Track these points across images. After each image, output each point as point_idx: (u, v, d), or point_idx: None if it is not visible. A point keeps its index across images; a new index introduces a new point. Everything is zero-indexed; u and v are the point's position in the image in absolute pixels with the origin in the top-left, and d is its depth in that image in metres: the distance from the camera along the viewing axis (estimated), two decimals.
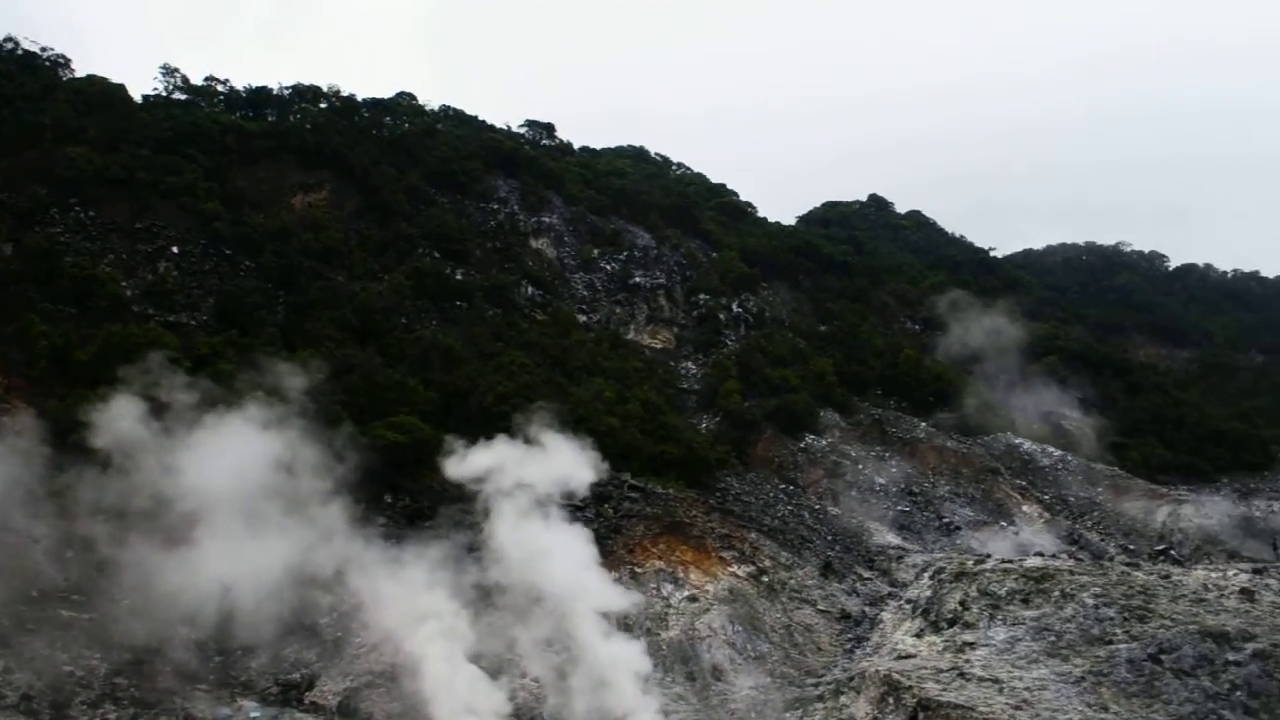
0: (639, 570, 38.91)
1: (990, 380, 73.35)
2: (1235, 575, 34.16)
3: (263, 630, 32.22)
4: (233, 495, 31.46)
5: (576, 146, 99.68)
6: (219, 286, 51.57)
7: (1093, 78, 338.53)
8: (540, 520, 33.87)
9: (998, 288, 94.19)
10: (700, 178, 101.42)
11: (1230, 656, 26.16)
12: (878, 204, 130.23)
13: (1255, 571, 34.77)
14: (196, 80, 73.56)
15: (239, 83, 75.78)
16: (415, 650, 30.15)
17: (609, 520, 42.37)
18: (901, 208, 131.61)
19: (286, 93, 76.83)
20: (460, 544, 36.06)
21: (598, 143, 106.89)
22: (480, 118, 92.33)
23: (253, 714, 28.98)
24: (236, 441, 32.88)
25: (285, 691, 31.68)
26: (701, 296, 71.88)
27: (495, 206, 72.45)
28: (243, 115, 71.17)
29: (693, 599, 37.68)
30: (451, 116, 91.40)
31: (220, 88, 74.41)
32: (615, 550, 39.85)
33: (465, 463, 35.83)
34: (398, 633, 30.91)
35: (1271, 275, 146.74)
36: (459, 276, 61.33)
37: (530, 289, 64.92)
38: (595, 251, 72.75)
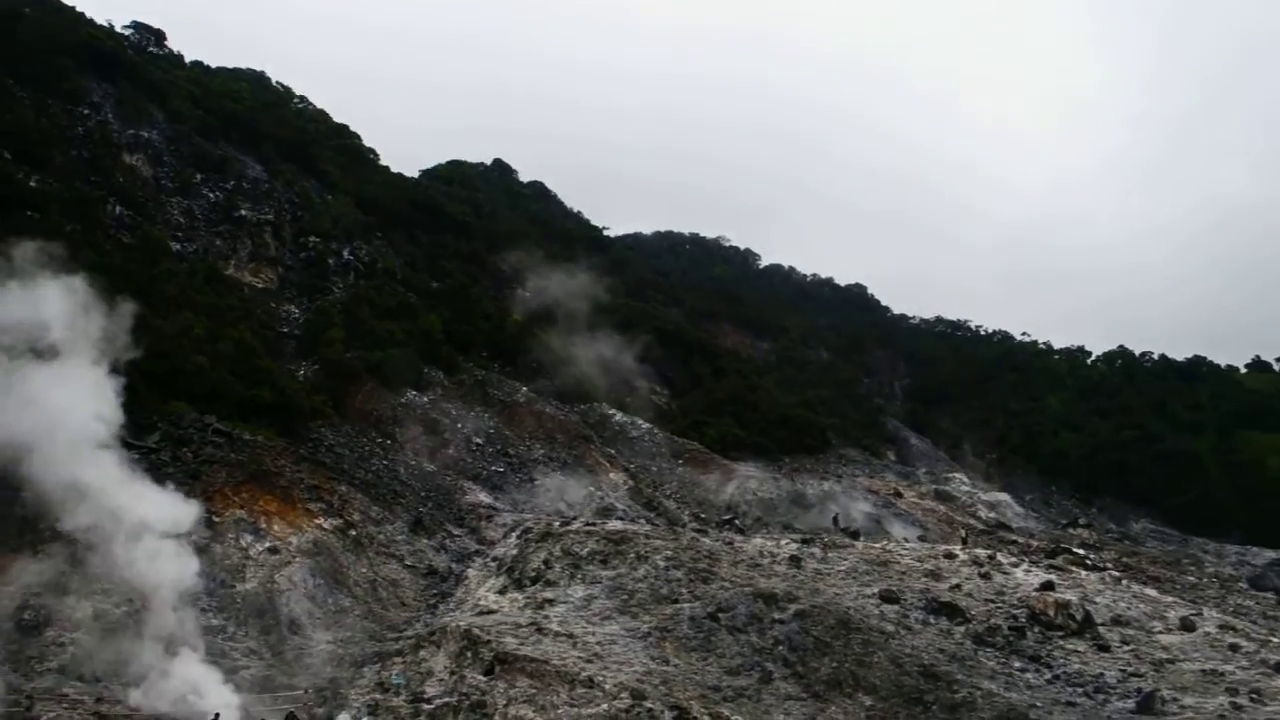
0: (217, 519, 36.58)
1: (590, 353, 76.30)
2: (787, 544, 37.80)
3: None
4: None
5: (189, 60, 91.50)
6: None
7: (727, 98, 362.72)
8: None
9: (607, 265, 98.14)
10: (323, 115, 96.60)
11: (776, 615, 28.84)
12: (502, 169, 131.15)
13: (804, 541, 38.67)
14: None
15: None
16: None
17: (188, 465, 39.47)
18: (525, 177, 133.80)
19: None
20: None
21: (214, 60, 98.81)
22: (77, 9, 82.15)
23: None
24: None
25: None
26: (311, 239, 68.54)
27: (86, 112, 64.59)
28: None
29: (273, 551, 36.01)
30: (40, 1, 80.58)
31: None
32: (193, 497, 37.21)
33: None
34: None
35: (843, 283, 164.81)
36: (33, 184, 54.23)
37: (118, 208, 58.59)
38: (198, 176, 67.03)
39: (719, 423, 74.50)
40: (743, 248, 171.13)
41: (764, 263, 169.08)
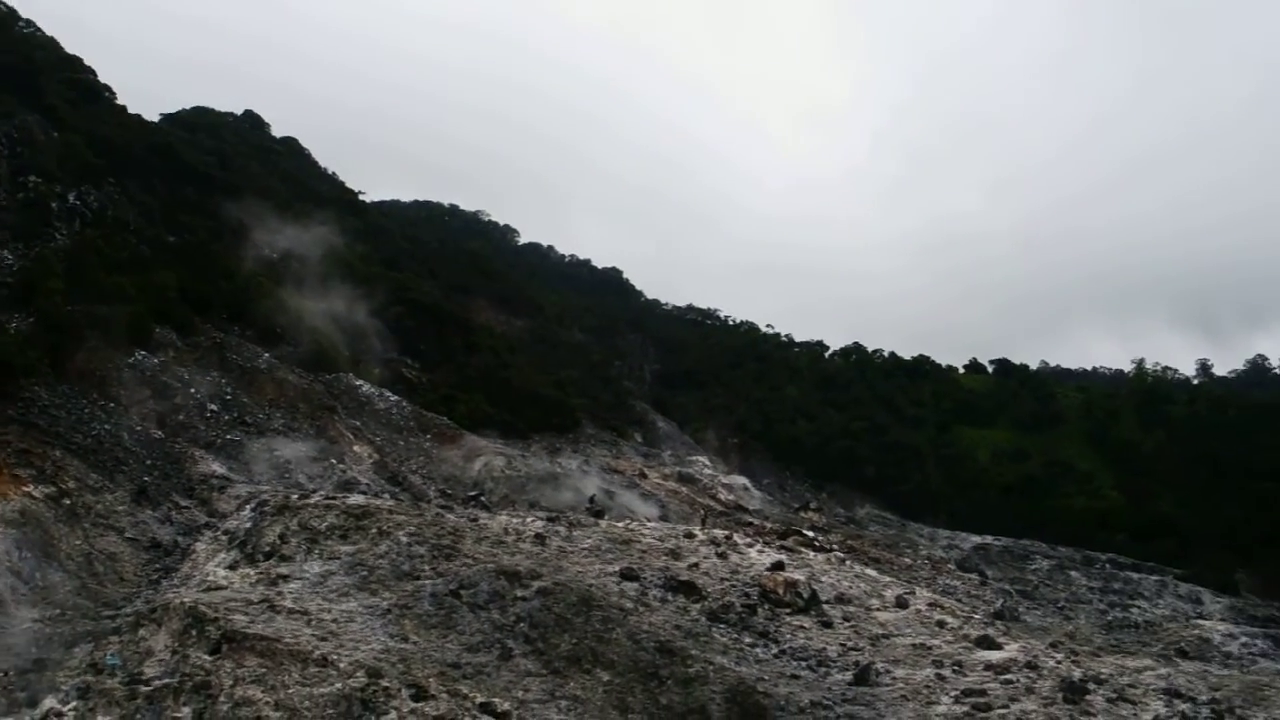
0: None
1: (338, 320, 73.84)
2: (533, 522, 37.85)
3: None
4: None
5: None
6: None
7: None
8: None
9: (362, 231, 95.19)
10: (53, 43, 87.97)
11: (519, 593, 28.78)
12: (253, 121, 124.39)
13: (550, 519, 38.85)
14: None
15: None
16: None
17: None
18: (279, 132, 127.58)
19: None
20: None
21: None
22: None
23: None
24: None
25: None
26: (32, 178, 62.39)
27: None
28: None
29: None
30: None
31: None
32: None
33: None
34: None
35: (600, 266, 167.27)
36: None
37: None
38: None
39: (470, 398, 73.84)
40: (502, 223, 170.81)
41: (523, 240, 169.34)
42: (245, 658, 24.77)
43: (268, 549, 33.71)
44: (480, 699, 23.94)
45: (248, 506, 38.57)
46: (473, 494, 54.52)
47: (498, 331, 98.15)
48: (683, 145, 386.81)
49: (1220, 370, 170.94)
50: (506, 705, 24.15)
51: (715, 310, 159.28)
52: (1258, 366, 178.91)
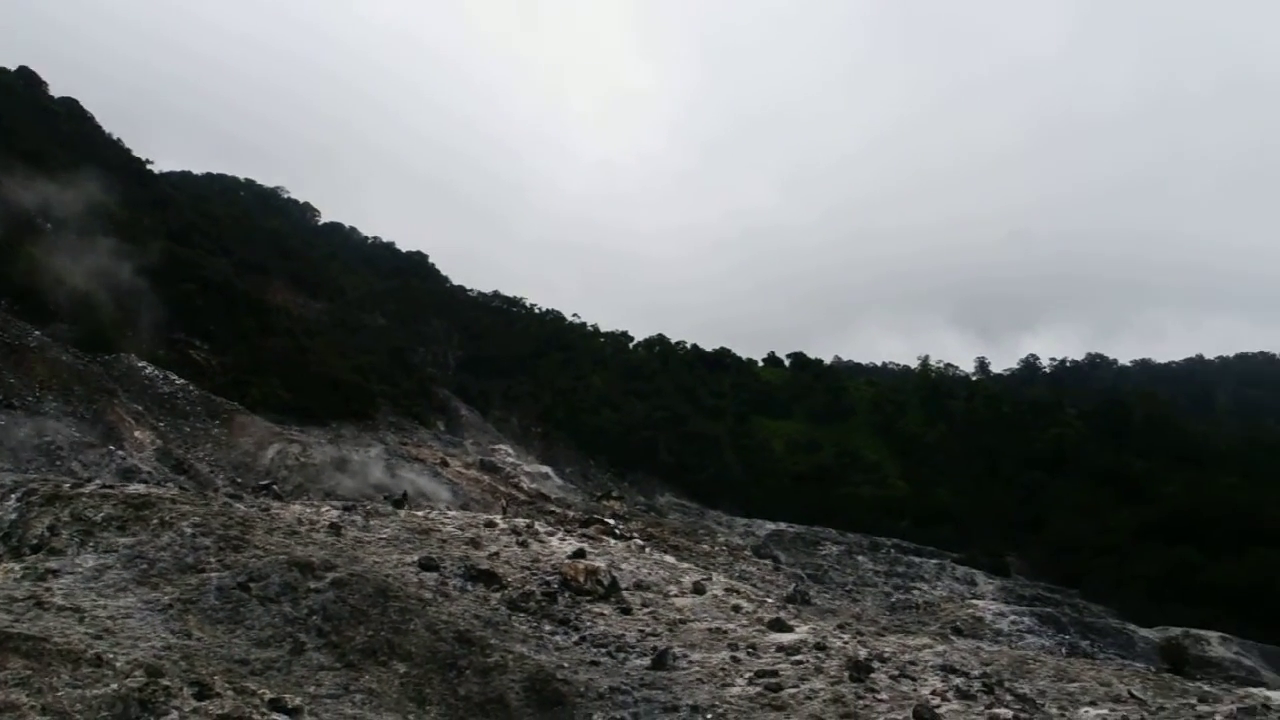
0: None
1: (120, 297, 69.55)
2: (328, 511, 36.58)
3: None
4: None
5: None
6: None
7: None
8: None
9: (148, 202, 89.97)
10: None
11: (312, 584, 27.73)
12: (29, 79, 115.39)
13: (346, 509, 37.66)
14: None
15: None
16: None
17: None
18: (57, 92, 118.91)
19: None
20: None
21: None
22: None
23: None
24: None
25: None
26: None
27: None
28: None
29: None
30: None
31: None
32: None
33: None
34: None
35: (405, 249, 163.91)
36: None
37: None
38: None
39: (263, 383, 70.91)
40: (302, 201, 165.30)
41: (324, 219, 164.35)
42: (8, 659, 22.90)
43: (35, 542, 31.31)
44: (269, 695, 22.94)
45: (13, 496, 35.70)
46: (265, 483, 52.35)
47: (295, 313, 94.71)
48: (488, 123, 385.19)
49: (996, 368, 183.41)
50: (298, 701, 23.25)
51: (521, 299, 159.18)
52: (1030, 365, 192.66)
